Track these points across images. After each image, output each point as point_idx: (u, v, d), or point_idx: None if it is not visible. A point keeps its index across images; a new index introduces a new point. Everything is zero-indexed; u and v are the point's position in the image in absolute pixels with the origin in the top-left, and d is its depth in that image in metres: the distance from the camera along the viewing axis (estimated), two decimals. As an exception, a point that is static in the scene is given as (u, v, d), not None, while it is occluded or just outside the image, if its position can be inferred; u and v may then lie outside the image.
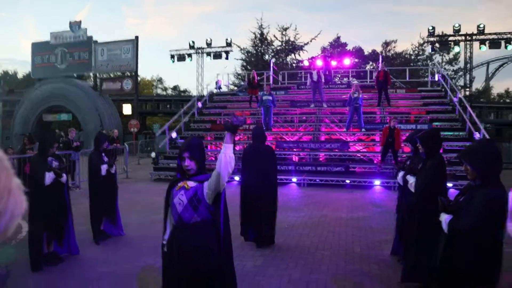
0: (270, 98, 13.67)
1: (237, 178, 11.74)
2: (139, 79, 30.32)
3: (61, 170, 4.88)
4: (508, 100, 45.84)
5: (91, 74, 27.23)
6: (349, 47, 35.95)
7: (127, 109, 28.58)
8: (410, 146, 4.90)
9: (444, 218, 2.72)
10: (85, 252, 5.30)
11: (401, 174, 4.76)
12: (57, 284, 4.31)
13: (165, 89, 54.12)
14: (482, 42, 23.92)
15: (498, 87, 67.83)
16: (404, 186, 4.65)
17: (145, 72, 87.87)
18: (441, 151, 4.10)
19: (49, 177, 4.70)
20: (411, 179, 4.09)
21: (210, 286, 2.56)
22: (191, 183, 2.63)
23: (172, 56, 28.58)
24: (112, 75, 27.45)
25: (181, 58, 28.56)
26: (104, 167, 5.83)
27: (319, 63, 19.47)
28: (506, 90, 52.07)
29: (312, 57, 31.80)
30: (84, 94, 25.50)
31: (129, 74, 26.32)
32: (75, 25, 25.83)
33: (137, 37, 24.92)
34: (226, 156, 2.48)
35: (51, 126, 30.25)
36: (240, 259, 5.09)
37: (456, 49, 25.33)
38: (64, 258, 4.96)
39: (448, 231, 2.64)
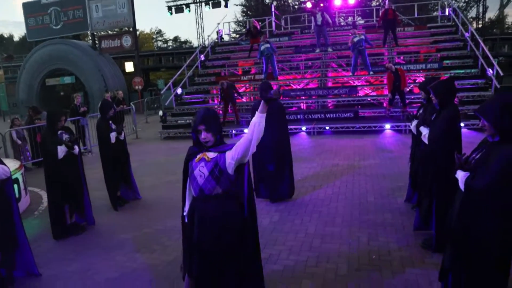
0: (269, 46, 13.26)
1: (246, 130, 11.75)
2: (137, 33, 29.48)
3: (72, 143, 4.86)
4: (522, 29, 43.83)
5: (88, 33, 26.50)
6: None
7: (129, 66, 28.14)
8: (423, 94, 4.75)
9: (461, 176, 2.63)
10: (103, 219, 5.44)
11: (414, 123, 4.67)
12: (81, 253, 4.46)
13: (166, 41, 52.80)
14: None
15: (512, 14, 64.53)
16: (417, 135, 4.58)
17: (143, 25, 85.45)
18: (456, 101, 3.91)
19: (61, 150, 4.73)
20: (424, 131, 4.00)
21: (233, 258, 2.60)
22: (211, 154, 2.58)
23: (169, 8, 27.60)
24: (110, 32, 26.64)
25: (179, 9, 27.57)
26: (113, 135, 5.81)
27: (319, 4, 18.60)
28: (520, 18, 49.58)
29: (315, -3, 30.44)
30: (84, 54, 25.01)
31: (127, 30, 25.58)
32: (65, -18, 24.76)
33: (131, -10, 23.88)
34: (260, 125, 2.47)
35: (55, 89, 30.13)
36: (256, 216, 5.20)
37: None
38: (86, 228, 5.10)
39: (464, 189, 2.59)
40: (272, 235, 4.59)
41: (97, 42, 25.62)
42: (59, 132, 4.88)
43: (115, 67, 26.69)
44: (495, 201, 2.45)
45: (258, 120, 2.47)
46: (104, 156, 5.88)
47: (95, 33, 25.73)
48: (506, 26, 44.34)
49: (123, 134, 6.05)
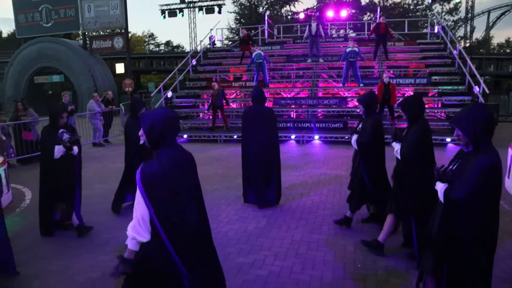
0: (261, 53, 13.38)
1: (235, 137, 11.76)
2: (129, 35, 29.35)
3: (72, 143, 4.63)
4: (508, 51, 45.12)
5: (80, 33, 26.28)
6: (346, -3, 34.67)
7: (120, 68, 27.91)
8: (361, 108, 4.78)
9: (440, 187, 2.67)
10: (93, 219, 5.33)
11: (354, 137, 4.71)
12: (63, 252, 4.37)
13: (158, 45, 52.71)
14: (484, -11, 23.11)
15: (499, 36, 66.45)
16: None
17: (136, 28, 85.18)
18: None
19: (58, 150, 4.56)
20: (396, 146, 4.05)
21: None
22: None
23: (163, 12, 27.59)
24: (101, 33, 26.45)
25: (172, 13, 27.59)
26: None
27: (313, 15, 18.81)
28: (506, 40, 51.10)
29: (308, 9, 30.84)
30: (74, 54, 24.76)
31: (119, 31, 25.45)
32: (57, -21, 24.55)
33: (124, -9, 23.79)
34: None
35: (43, 87, 29.70)
36: (242, 221, 5.17)
37: (457, -2, 24.52)
38: (72, 224, 4.98)
39: (443, 201, 2.62)
40: (258, 240, 4.56)
41: (88, 42, 25.39)
42: (61, 130, 4.65)
43: (105, 68, 26.46)
44: (473, 210, 2.48)
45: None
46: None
47: (86, 33, 25.52)
48: (492, 47, 45.62)
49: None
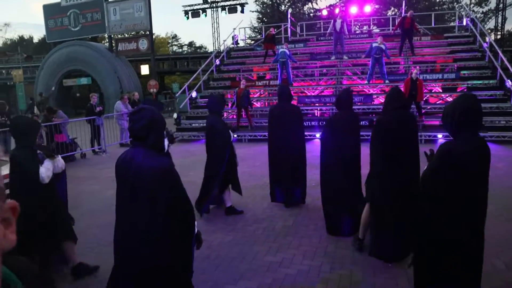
0: (287, 51, 13.32)
1: (260, 136, 11.77)
2: (154, 37, 29.86)
3: (50, 157, 3.54)
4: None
5: (106, 35, 26.95)
6: (370, -8, 34.07)
7: (144, 69, 28.45)
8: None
9: None
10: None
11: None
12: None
13: (181, 46, 53.33)
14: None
15: (530, 27, 63.72)
16: None
17: (159, 29, 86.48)
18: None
19: (46, 170, 3.45)
20: None
21: None
22: None
23: (186, 13, 27.89)
24: (126, 35, 27.06)
25: (196, 14, 27.85)
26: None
27: (337, 11, 18.55)
28: (539, 30, 48.92)
29: (331, 5, 30.49)
30: (101, 56, 25.42)
31: (143, 33, 25.93)
32: (84, -16, 25.26)
33: (149, -7, 24.24)
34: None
35: (72, 90, 30.61)
36: (270, 220, 5.19)
37: (487, -12, 23.67)
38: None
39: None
40: (286, 239, 4.56)
41: (114, 44, 26.00)
42: (38, 152, 3.56)
43: (130, 70, 27.03)
44: (427, 193, 2.75)
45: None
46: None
47: (112, 36, 26.13)
48: (525, 38, 43.67)
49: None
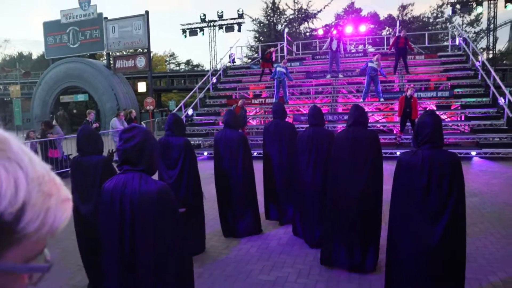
0: (284, 70, 13.43)
1: (255, 153, 11.77)
2: (151, 55, 30.15)
3: None
4: (532, 61, 43.98)
5: (104, 53, 27.17)
6: (364, 13, 34.78)
7: (142, 87, 28.61)
8: None
9: None
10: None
11: None
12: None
13: (178, 64, 53.79)
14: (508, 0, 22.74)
15: (522, 47, 64.81)
16: None
17: (157, 47, 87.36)
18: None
19: None
20: None
21: None
22: None
23: (184, 31, 28.27)
24: (124, 53, 27.28)
25: (193, 32, 28.23)
26: None
27: (334, 31, 18.87)
28: (530, 50, 49.83)
29: (327, 25, 31.01)
30: (99, 73, 25.57)
31: (141, 51, 26.15)
32: (84, 2, 25.57)
33: (147, 12, 24.55)
34: None
35: (68, 107, 30.66)
36: (264, 238, 5.14)
37: (479, 9, 24.20)
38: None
39: None
40: (280, 257, 4.51)
41: (111, 61, 26.20)
42: None
43: (128, 87, 27.16)
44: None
45: None
46: None
47: (110, 53, 26.36)
48: (517, 58, 44.52)
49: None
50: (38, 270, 0.57)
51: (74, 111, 31.76)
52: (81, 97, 27.87)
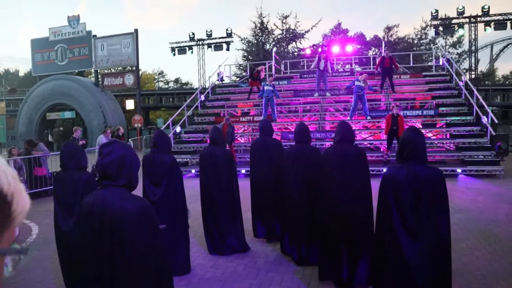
0: (271, 89, 13.55)
1: (243, 171, 11.74)
2: (140, 73, 30.19)
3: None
4: (513, 82, 45.34)
5: (92, 70, 27.13)
6: (351, 33, 35.54)
7: (129, 104, 28.55)
8: None
9: None
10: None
11: None
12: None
13: (167, 82, 53.91)
14: (487, 23, 23.63)
15: (503, 69, 67.16)
16: None
17: (146, 65, 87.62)
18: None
19: None
20: None
21: None
22: None
23: (173, 49, 28.43)
24: (113, 70, 27.32)
25: (182, 51, 28.40)
26: None
27: (321, 50, 19.19)
28: (511, 72, 51.45)
29: (314, 45, 31.55)
30: (86, 90, 25.45)
31: (130, 69, 26.20)
32: (73, 20, 25.65)
33: (136, 30, 24.72)
34: None
35: (55, 124, 30.33)
36: (252, 255, 5.07)
37: (461, 31, 25.00)
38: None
39: None
40: (268, 275, 4.44)
41: (100, 79, 26.14)
42: None
43: (115, 104, 27.06)
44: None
45: None
46: None
47: (98, 70, 26.32)
48: (497, 79, 45.95)
49: None
50: (22, 252, 0.68)
51: (61, 128, 31.39)
52: (68, 114, 27.61)
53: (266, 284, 4.19)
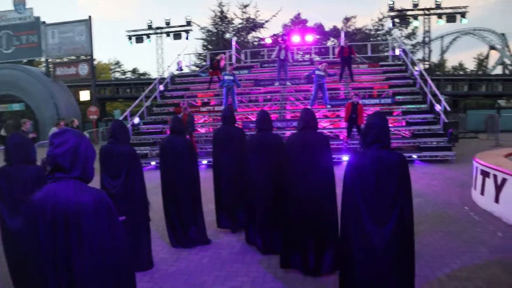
0: (232, 78, 13.39)
1: (204, 162, 11.56)
2: (95, 63, 28.91)
3: None
4: (461, 73, 47.80)
5: (43, 59, 25.62)
6: (310, 24, 35.87)
7: (84, 95, 27.27)
8: None
9: None
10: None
11: None
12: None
13: (124, 72, 52.10)
14: (439, 16, 24.76)
15: (452, 60, 70.71)
16: None
17: (101, 55, 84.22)
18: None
19: None
20: None
21: None
22: None
23: (130, 38, 27.44)
24: (66, 60, 25.90)
25: (139, 39, 27.48)
26: None
27: (281, 40, 19.18)
28: (459, 63, 54.27)
29: (274, 35, 31.55)
30: (37, 81, 24.00)
31: (84, 58, 24.99)
32: (19, 5, 24.01)
33: (90, 17, 23.57)
34: None
35: (2, 117, 28.48)
36: (216, 247, 4.97)
37: (415, 23, 25.95)
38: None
39: None
40: (234, 266, 4.37)
41: (51, 68, 24.74)
42: None
43: (69, 95, 25.77)
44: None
45: None
46: None
47: (49, 60, 24.90)
48: (447, 69, 48.41)
49: None
50: None
51: (9, 121, 29.51)
52: (16, 107, 25.96)
53: (231, 276, 4.12)
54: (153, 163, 12.10)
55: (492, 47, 52.23)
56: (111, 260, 1.94)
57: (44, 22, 24.04)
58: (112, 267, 1.94)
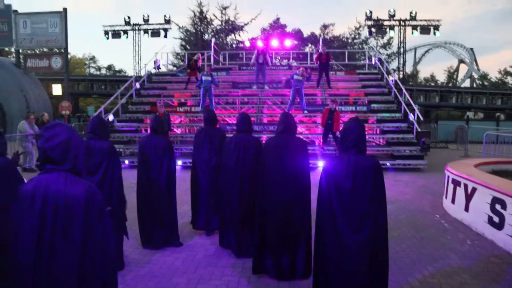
0: (210, 79, 13.29)
1: (180, 162, 11.38)
2: (69, 56, 28.08)
3: None
4: (433, 84, 49.44)
5: (13, 49, 24.63)
6: (289, 29, 36.18)
7: (57, 89, 26.35)
8: None
9: None
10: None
11: None
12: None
13: (99, 68, 50.94)
14: (414, 27, 25.64)
15: (424, 72, 73.03)
16: None
17: (76, 49, 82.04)
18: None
19: None
20: None
21: None
22: None
23: (106, 33, 26.86)
24: (38, 51, 25.04)
25: (116, 35, 26.94)
26: None
27: (260, 44, 19.23)
28: (431, 75, 56.20)
29: (253, 38, 31.65)
30: (5, 71, 23.03)
31: (57, 51, 24.22)
32: (-12, -9, 23.00)
33: (65, 9, 22.84)
34: None
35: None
36: (190, 249, 4.88)
37: (391, 33, 26.68)
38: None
39: None
40: (207, 269, 4.30)
41: (22, 59, 23.83)
42: None
43: (40, 89, 24.89)
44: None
45: None
46: None
47: (20, 50, 23.97)
48: (419, 80, 49.98)
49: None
50: None
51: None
52: (-18, 98, 24.83)
53: (205, 279, 4.04)
54: (127, 161, 11.81)
55: (462, 61, 54.31)
56: (99, 250, 1.97)
57: (16, 11, 23.13)
58: (99, 262, 1.96)
